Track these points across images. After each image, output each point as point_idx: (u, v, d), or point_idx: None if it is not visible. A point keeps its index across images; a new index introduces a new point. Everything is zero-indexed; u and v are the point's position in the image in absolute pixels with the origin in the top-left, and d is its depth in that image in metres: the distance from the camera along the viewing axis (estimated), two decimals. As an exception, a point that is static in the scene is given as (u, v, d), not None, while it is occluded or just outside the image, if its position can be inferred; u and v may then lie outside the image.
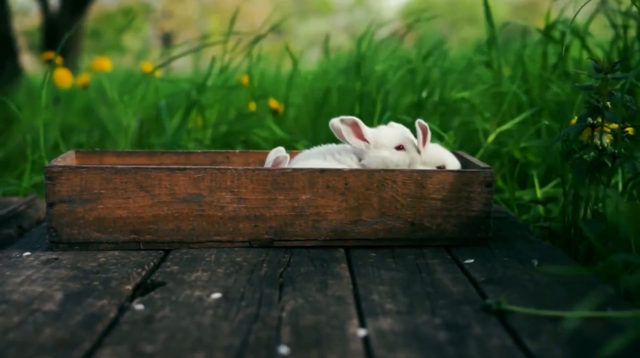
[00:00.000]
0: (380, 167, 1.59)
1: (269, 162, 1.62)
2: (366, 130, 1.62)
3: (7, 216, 1.83)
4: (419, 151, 1.63)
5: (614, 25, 2.24)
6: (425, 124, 1.64)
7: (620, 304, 1.16)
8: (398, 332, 1.04)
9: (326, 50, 3.04)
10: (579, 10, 1.73)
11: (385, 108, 2.40)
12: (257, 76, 3.10)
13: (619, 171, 1.72)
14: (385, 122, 1.78)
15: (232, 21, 2.68)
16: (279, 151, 1.62)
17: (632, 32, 2.26)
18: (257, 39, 2.67)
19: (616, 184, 1.74)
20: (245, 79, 3.02)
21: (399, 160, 1.61)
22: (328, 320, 1.09)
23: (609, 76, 1.53)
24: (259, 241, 1.53)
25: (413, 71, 2.54)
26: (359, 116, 2.42)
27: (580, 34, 2.30)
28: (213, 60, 2.58)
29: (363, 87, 2.48)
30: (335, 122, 1.61)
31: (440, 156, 1.69)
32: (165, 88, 3.15)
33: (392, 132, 1.64)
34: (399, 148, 1.61)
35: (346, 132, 1.62)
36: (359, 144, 1.62)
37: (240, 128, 2.79)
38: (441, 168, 1.64)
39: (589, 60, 1.84)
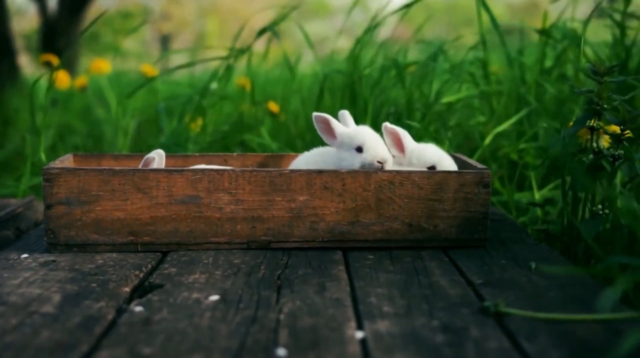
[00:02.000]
0: (338, 167, 1.57)
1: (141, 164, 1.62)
2: (335, 128, 1.60)
3: (5, 218, 1.83)
4: (394, 156, 1.62)
5: (617, 24, 2.23)
6: (394, 127, 1.63)
7: (617, 306, 1.16)
8: (395, 335, 1.04)
9: (315, 53, 3.04)
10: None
11: (378, 109, 2.39)
12: (256, 79, 3.10)
13: (617, 174, 1.72)
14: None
15: (237, 36, 2.67)
16: (156, 153, 1.60)
17: (632, 34, 2.26)
18: (247, 49, 2.66)
19: (614, 186, 1.73)
20: (244, 82, 3.02)
21: (352, 163, 1.57)
22: (326, 323, 1.09)
23: (606, 78, 1.53)
24: (257, 242, 1.53)
25: (404, 72, 2.54)
26: (353, 117, 2.42)
27: (578, 36, 2.30)
28: (214, 71, 2.58)
29: (356, 89, 2.48)
30: (313, 118, 1.61)
31: (428, 157, 1.65)
32: (164, 90, 3.15)
33: (355, 132, 1.59)
34: (359, 149, 1.58)
35: (319, 129, 1.61)
36: (330, 141, 1.61)
37: (237, 132, 2.79)
38: (432, 169, 1.63)
39: (586, 63, 1.84)
